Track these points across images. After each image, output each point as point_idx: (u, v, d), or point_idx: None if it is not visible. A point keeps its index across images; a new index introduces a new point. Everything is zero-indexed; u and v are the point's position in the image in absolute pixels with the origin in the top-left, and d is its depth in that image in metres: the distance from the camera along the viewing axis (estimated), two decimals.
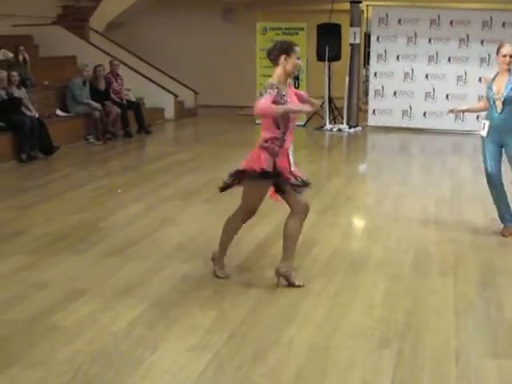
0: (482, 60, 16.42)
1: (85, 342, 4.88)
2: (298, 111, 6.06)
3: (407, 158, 14.41)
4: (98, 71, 15.58)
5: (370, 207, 9.39)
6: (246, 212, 6.25)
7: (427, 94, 17.17)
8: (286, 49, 5.83)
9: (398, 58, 17.41)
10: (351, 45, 17.89)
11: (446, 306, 5.70)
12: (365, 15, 19.46)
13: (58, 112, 14.88)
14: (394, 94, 17.69)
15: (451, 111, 8.36)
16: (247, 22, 20.14)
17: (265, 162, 5.89)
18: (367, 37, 19.12)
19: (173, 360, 4.61)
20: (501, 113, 7.45)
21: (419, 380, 4.42)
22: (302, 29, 18.01)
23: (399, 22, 17.31)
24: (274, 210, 8.68)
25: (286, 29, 18.09)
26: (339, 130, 17.47)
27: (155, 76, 19.31)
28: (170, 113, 19.03)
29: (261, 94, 5.75)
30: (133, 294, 5.83)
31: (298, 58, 5.88)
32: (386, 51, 17.45)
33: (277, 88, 5.75)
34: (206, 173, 11.28)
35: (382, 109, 17.86)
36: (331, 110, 18.08)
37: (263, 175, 5.93)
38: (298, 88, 17.99)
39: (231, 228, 6.33)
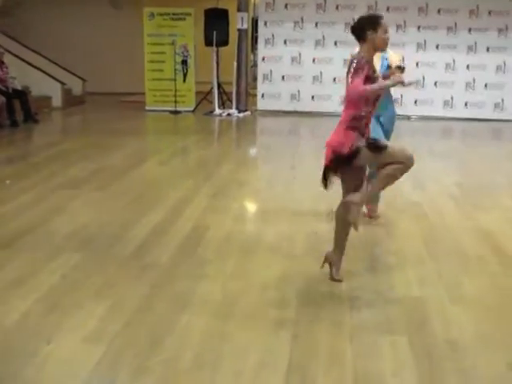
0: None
1: None
2: (391, 85, 5.70)
3: (297, 141, 14.59)
4: None
5: (262, 191, 9.46)
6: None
7: (315, 78, 17.42)
8: (372, 23, 5.46)
9: (285, 42, 17.59)
10: (239, 30, 17.97)
11: (338, 286, 5.79)
12: (252, 0, 19.54)
13: None
14: (282, 78, 17.87)
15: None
16: (134, 8, 19.97)
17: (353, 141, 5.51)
18: (255, 22, 19.23)
19: (68, 351, 4.54)
20: None
21: (316, 359, 4.48)
22: (190, 14, 17.97)
23: (286, 6, 17.48)
24: (166, 196, 8.69)
25: (173, 14, 18.01)
26: (228, 114, 17.55)
27: (41, 64, 18.94)
28: (57, 101, 18.71)
29: (351, 68, 5.38)
30: (24, 285, 5.71)
31: (386, 32, 5.48)
32: (273, 36, 17.60)
33: (367, 63, 5.46)
34: (95, 161, 11.15)
35: (270, 93, 18.03)
36: (220, 95, 18.13)
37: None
38: (186, 74, 18.12)
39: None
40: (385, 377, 4.29)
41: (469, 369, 4.40)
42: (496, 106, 17.71)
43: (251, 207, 8.98)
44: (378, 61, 7.50)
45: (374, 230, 7.43)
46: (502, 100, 17.65)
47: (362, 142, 5.49)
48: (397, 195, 8.56)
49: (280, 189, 9.45)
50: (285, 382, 4.18)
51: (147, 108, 18.16)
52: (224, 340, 4.73)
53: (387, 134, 7.65)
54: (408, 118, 16.48)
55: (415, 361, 4.48)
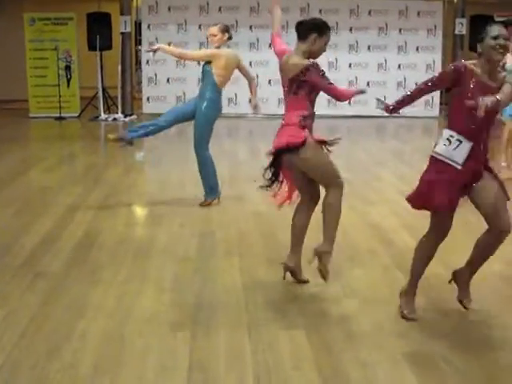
0: (252, 45, 17.02)
1: None
2: None
3: (184, 143, 14.53)
4: None
5: (152, 194, 9.42)
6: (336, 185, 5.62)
7: (200, 80, 17.44)
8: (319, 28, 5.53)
9: (169, 45, 17.49)
10: (122, 33, 17.85)
11: (234, 284, 5.85)
12: (134, 3, 19.45)
13: None
14: (168, 80, 17.85)
15: None
16: (14, 13, 19.48)
17: (306, 135, 5.51)
18: (138, 25, 19.13)
19: None
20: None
21: (216, 358, 4.50)
22: (72, 18, 17.75)
23: (169, 9, 17.49)
24: (55, 203, 8.56)
25: (55, 19, 17.72)
26: (114, 119, 17.44)
27: None
28: None
29: (307, 73, 5.42)
30: None
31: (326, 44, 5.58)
32: (157, 39, 17.54)
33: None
34: None
35: (156, 96, 18.01)
36: (105, 100, 17.96)
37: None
38: (70, 79, 17.86)
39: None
40: (286, 371, 4.35)
41: (366, 359, 4.51)
42: None
43: (142, 210, 8.93)
44: None
45: (265, 228, 7.49)
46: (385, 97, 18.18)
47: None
48: None
49: (170, 192, 9.43)
50: (187, 382, 4.18)
51: (31, 115, 17.80)
52: (122, 345, 4.70)
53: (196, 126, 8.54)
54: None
55: (314, 354, 4.56)
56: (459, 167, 4.87)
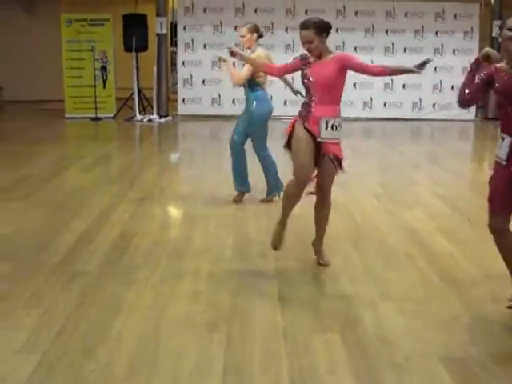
0: (287, 47, 17.02)
1: None
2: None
3: (219, 145, 14.59)
4: None
5: (186, 195, 9.43)
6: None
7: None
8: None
9: (205, 46, 17.61)
10: (158, 35, 17.93)
11: (269, 286, 5.83)
12: (170, 5, 19.51)
13: None
14: (203, 82, 17.88)
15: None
16: (50, 13, 19.67)
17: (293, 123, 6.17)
18: (174, 26, 19.20)
19: (0, 363, 4.46)
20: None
21: (251, 360, 4.49)
22: (108, 19, 17.84)
23: (205, 11, 17.53)
24: (91, 203, 8.61)
25: (91, 20, 17.81)
26: (150, 120, 17.49)
27: None
28: None
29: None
30: None
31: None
32: (193, 40, 17.61)
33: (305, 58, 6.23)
34: (15, 170, 10.88)
35: (191, 97, 18.04)
36: (141, 101, 18.04)
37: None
38: (106, 80, 17.96)
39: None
40: (321, 374, 4.33)
41: (402, 363, 4.48)
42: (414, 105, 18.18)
43: (177, 212, 8.95)
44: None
45: (302, 230, 7.47)
46: (420, 100, 18.14)
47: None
48: None
49: (204, 192, 9.44)
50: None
51: (67, 115, 17.92)
52: (158, 345, 4.71)
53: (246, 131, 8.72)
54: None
55: (349, 357, 4.54)
56: (504, 163, 4.89)
